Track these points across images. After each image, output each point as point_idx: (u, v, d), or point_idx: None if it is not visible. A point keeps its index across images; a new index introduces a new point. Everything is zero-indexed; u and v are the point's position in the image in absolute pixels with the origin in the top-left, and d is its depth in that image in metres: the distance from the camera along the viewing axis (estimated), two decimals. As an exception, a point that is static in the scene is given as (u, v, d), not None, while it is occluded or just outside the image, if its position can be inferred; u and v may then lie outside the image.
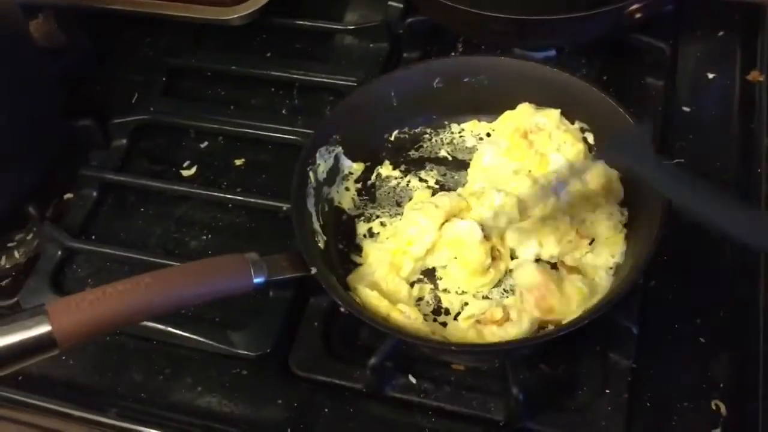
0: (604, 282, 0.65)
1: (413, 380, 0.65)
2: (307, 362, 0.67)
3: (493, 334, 0.63)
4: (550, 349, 0.66)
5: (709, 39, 0.85)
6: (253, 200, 0.78)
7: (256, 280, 0.60)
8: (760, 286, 0.66)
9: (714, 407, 0.62)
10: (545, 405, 0.63)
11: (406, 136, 0.78)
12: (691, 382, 0.63)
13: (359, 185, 0.75)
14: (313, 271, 0.63)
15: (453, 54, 0.86)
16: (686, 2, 0.85)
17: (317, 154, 0.72)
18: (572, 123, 0.73)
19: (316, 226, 0.70)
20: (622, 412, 0.61)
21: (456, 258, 0.68)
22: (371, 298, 0.64)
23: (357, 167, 0.75)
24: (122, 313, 0.56)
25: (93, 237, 0.79)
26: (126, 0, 0.90)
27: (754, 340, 0.63)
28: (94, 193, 0.81)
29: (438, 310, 0.67)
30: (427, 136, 0.78)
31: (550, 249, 0.67)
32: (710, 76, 0.82)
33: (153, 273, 0.58)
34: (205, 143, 0.85)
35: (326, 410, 0.65)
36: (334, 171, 0.74)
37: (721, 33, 0.86)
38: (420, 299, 0.68)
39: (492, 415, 0.63)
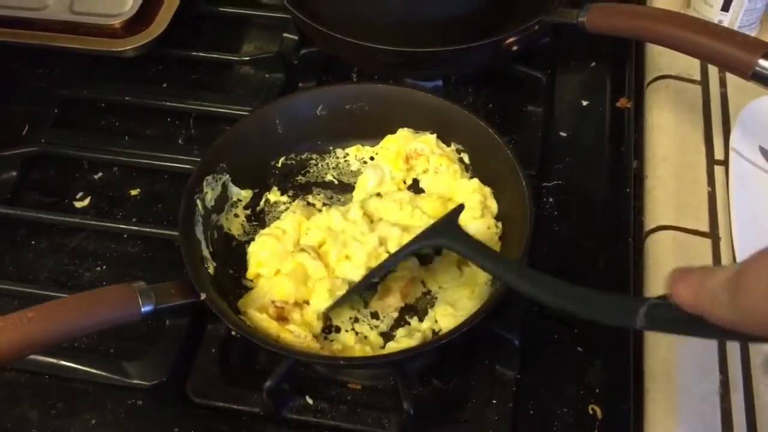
0: (484, 292, 0.68)
1: (310, 401, 0.66)
2: (204, 389, 0.67)
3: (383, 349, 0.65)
4: (442, 365, 0.69)
5: (583, 69, 0.92)
6: (147, 229, 0.78)
7: (144, 309, 0.61)
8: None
9: (591, 411, 0.66)
10: (437, 418, 0.66)
11: (293, 162, 0.80)
12: (569, 389, 0.67)
13: (248, 211, 0.77)
14: (203, 296, 0.64)
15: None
16: (561, 35, 0.92)
17: (204, 183, 0.72)
18: (448, 145, 0.77)
19: (206, 252, 0.70)
20: (507, 421, 0.64)
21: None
22: (261, 320, 0.66)
23: (245, 194, 0.77)
24: (6, 350, 0.55)
25: (-20, 272, 0.77)
26: (15, 33, 0.89)
27: (625, 348, 0.68)
28: (-18, 227, 0.79)
29: (329, 329, 0.69)
30: (313, 161, 0.80)
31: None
32: (584, 103, 0.89)
33: (37, 307, 0.58)
34: (99, 174, 0.84)
35: (223, 435, 0.66)
36: (223, 198, 0.75)
37: (593, 64, 0.92)
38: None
39: (386, 430, 0.65)
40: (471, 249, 0.62)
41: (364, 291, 0.69)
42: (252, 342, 0.64)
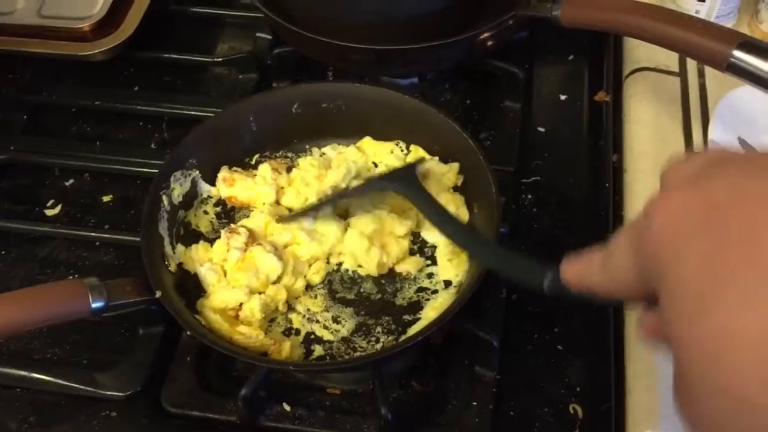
0: (447, 301, 0.67)
1: (288, 408, 0.65)
2: (179, 398, 0.66)
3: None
4: (421, 367, 0.68)
5: (561, 63, 0.91)
6: (120, 237, 0.76)
7: (95, 305, 0.60)
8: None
9: (572, 411, 0.65)
10: (417, 421, 0.65)
11: (268, 159, 0.78)
12: (550, 388, 0.66)
13: (218, 209, 0.75)
14: (158, 294, 0.62)
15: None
16: (538, 29, 0.90)
17: (172, 178, 0.71)
18: (425, 147, 0.75)
19: (168, 249, 0.69)
20: (488, 423, 0.63)
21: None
22: (215, 321, 0.65)
23: (216, 191, 0.75)
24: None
25: (-52, 284, 0.75)
26: (-21, 38, 0.87)
27: (606, 345, 0.67)
28: (-50, 238, 0.77)
29: (288, 332, 0.68)
30: (288, 159, 0.79)
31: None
32: (562, 97, 0.87)
33: None
34: (71, 181, 0.83)
35: (199, 445, 0.65)
36: (192, 195, 0.73)
37: (571, 57, 0.91)
38: (272, 320, 0.68)
39: (366, 436, 0.64)
40: (422, 201, 0.66)
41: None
42: (204, 344, 0.63)
